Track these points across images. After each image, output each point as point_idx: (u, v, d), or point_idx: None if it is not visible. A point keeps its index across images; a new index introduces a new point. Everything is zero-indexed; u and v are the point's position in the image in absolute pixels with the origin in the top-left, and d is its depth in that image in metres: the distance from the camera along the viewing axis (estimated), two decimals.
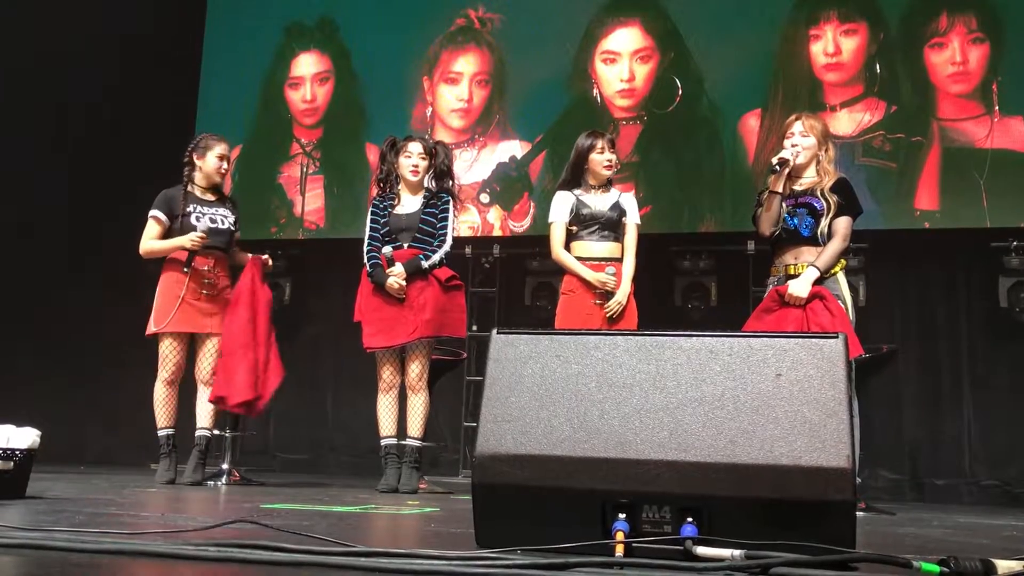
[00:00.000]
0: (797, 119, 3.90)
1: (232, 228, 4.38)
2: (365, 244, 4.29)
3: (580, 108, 6.28)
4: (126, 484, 3.89)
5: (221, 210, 4.37)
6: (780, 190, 3.76)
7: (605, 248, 4.11)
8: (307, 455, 6.49)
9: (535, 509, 1.68)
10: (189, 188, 4.38)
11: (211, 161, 4.37)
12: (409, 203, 4.32)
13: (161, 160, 6.44)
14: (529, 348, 1.80)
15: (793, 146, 3.81)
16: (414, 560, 1.44)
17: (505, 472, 1.70)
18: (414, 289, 4.15)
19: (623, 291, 4.05)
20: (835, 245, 3.69)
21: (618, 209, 4.13)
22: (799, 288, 3.61)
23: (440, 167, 4.34)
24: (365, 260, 4.25)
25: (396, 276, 4.13)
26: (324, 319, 6.55)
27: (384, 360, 4.23)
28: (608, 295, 4.03)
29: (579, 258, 4.10)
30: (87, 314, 6.44)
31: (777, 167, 3.75)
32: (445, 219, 4.27)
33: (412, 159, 4.29)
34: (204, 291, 4.25)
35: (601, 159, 4.13)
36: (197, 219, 4.28)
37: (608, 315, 4.03)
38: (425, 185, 4.35)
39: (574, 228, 4.14)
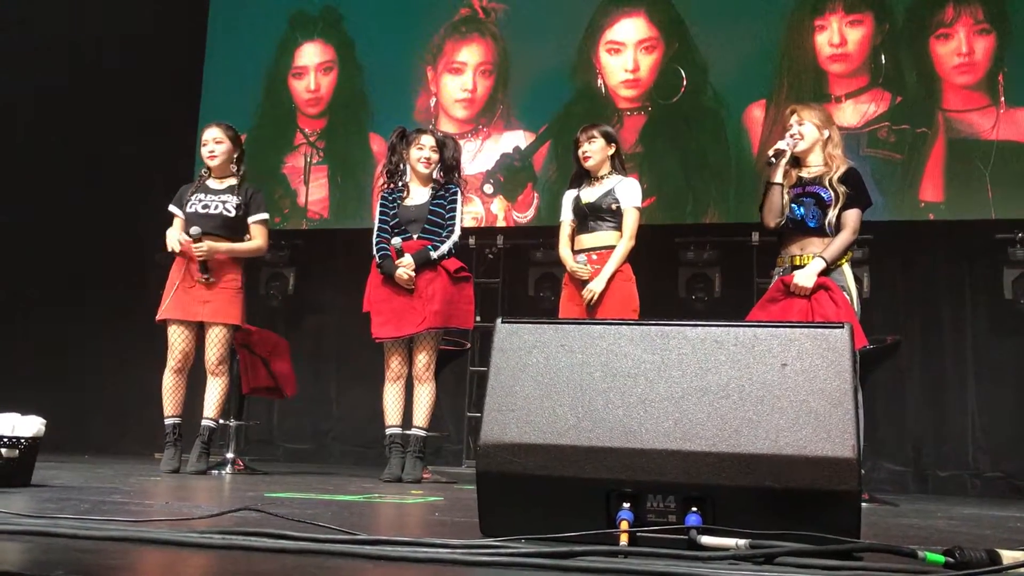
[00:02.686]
0: (792, 112, 3.91)
1: (226, 213, 4.31)
2: (374, 235, 4.31)
3: (584, 98, 6.27)
4: (131, 473, 3.89)
5: (225, 196, 4.35)
6: (779, 180, 3.76)
7: (598, 237, 4.18)
8: (311, 445, 6.51)
9: (539, 498, 1.68)
10: (203, 179, 4.43)
11: (201, 150, 4.45)
12: (418, 195, 4.32)
13: (164, 152, 6.48)
14: (534, 337, 1.80)
15: (791, 136, 3.81)
16: (419, 548, 1.44)
17: (509, 461, 1.70)
18: (423, 280, 4.15)
19: (598, 279, 4.08)
20: (844, 237, 3.67)
21: (610, 196, 4.17)
22: (805, 279, 3.60)
23: (449, 161, 4.35)
24: (374, 251, 4.26)
25: (405, 267, 4.13)
26: (328, 309, 6.56)
27: (392, 350, 4.24)
28: (585, 284, 4.08)
29: (577, 251, 4.21)
30: (93, 303, 6.44)
31: (773, 159, 3.76)
32: (453, 210, 4.28)
33: (425, 151, 4.30)
34: (197, 279, 4.25)
35: (578, 153, 4.25)
36: (192, 207, 4.32)
37: (584, 303, 4.07)
38: (433, 177, 4.36)
39: (574, 224, 4.24)
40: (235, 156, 4.45)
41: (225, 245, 4.29)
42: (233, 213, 4.33)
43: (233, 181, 4.41)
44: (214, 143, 4.40)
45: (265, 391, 4.71)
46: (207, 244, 4.19)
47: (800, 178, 3.81)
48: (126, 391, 6.21)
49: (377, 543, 1.48)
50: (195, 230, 4.19)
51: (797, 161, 3.87)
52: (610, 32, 6.28)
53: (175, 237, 4.25)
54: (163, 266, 4.42)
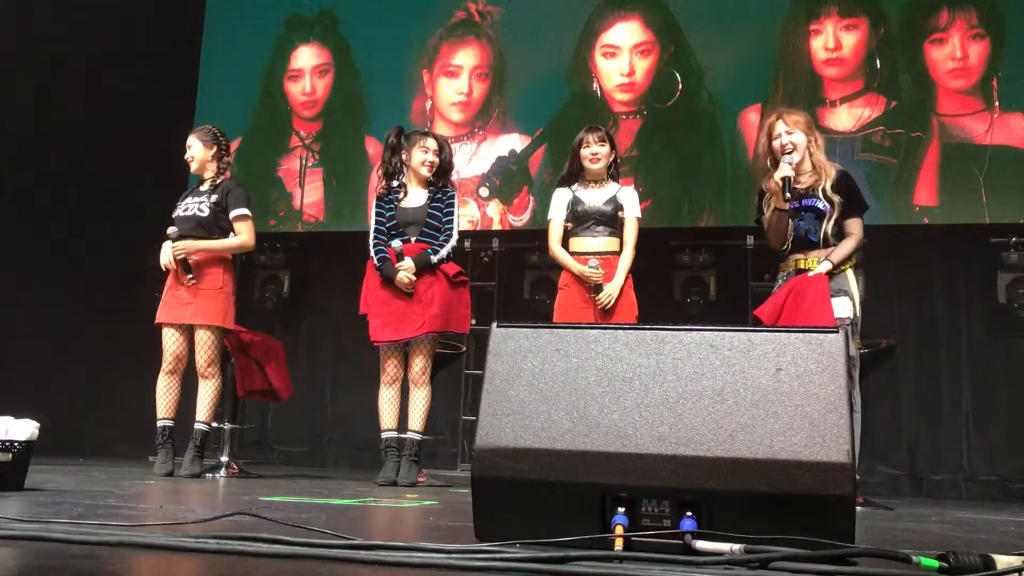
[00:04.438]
0: (778, 118, 3.81)
1: (199, 213, 4.31)
2: (371, 238, 4.29)
3: (580, 102, 6.28)
4: (125, 476, 3.88)
5: (202, 197, 4.37)
6: (787, 208, 3.70)
7: (600, 243, 4.14)
8: (306, 448, 6.50)
9: (534, 502, 1.68)
10: (198, 184, 4.48)
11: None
12: (416, 197, 4.31)
13: (160, 154, 6.47)
14: (529, 342, 1.80)
15: (783, 146, 3.74)
16: (413, 553, 1.44)
17: (504, 465, 1.69)
18: (422, 284, 4.15)
19: (614, 283, 4.06)
20: (850, 244, 3.70)
21: (614, 203, 4.15)
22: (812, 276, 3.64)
23: (445, 164, 4.35)
24: (372, 254, 4.24)
25: (406, 270, 4.12)
26: (323, 312, 6.56)
27: (388, 353, 4.23)
28: (597, 288, 4.05)
29: (575, 253, 4.15)
30: (87, 306, 6.43)
31: (788, 193, 3.64)
32: (451, 213, 4.28)
33: (429, 154, 4.28)
34: (181, 280, 4.26)
35: (586, 153, 4.18)
36: (177, 211, 4.38)
37: (600, 307, 4.04)
38: (429, 179, 4.34)
39: (570, 225, 4.19)
40: (211, 154, 4.44)
41: (206, 243, 4.29)
42: (206, 212, 4.33)
43: (204, 186, 4.43)
44: (187, 149, 4.46)
45: (260, 394, 4.70)
46: (183, 244, 4.22)
47: (794, 190, 3.78)
48: (120, 394, 6.20)
49: (372, 548, 1.48)
50: (172, 231, 4.25)
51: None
52: (606, 36, 6.29)
53: (168, 255, 4.26)
54: (156, 268, 4.43)
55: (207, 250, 4.29)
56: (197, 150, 4.42)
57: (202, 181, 4.45)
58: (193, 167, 4.46)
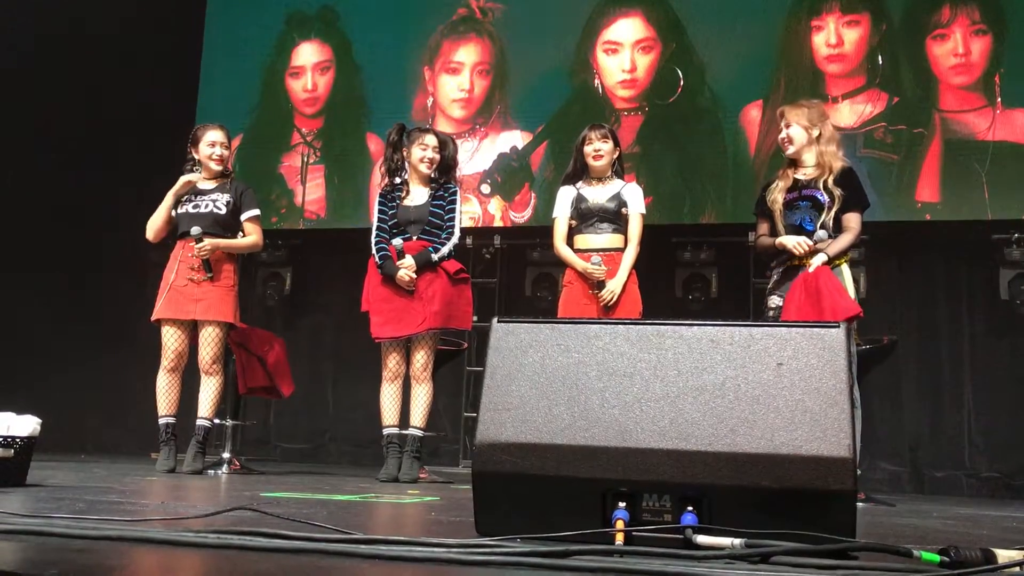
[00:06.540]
0: (781, 116, 3.91)
1: (217, 210, 4.33)
2: (373, 235, 4.30)
3: (581, 99, 6.27)
4: (126, 473, 3.89)
5: (215, 195, 4.37)
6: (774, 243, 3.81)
7: (605, 239, 4.14)
8: (307, 444, 6.50)
9: (535, 497, 1.68)
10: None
11: (203, 149, 4.44)
12: (418, 195, 4.31)
13: (161, 151, 6.47)
14: (530, 337, 1.80)
15: (782, 141, 3.81)
16: (414, 547, 1.43)
17: (505, 460, 1.69)
18: (423, 281, 4.15)
19: (617, 280, 4.06)
20: (847, 239, 3.71)
21: (617, 200, 4.15)
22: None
23: (448, 161, 4.34)
24: (374, 251, 4.25)
25: (407, 269, 4.12)
26: (325, 309, 6.56)
27: (390, 350, 4.24)
28: (600, 284, 4.05)
29: (579, 250, 4.15)
30: (89, 303, 6.43)
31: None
32: (453, 211, 4.28)
33: (428, 152, 4.29)
34: (190, 276, 4.26)
35: (589, 150, 4.19)
36: (183, 207, 4.37)
37: (602, 304, 4.04)
38: (432, 177, 4.34)
39: (574, 222, 4.19)
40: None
41: (225, 241, 4.30)
42: (224, 211, 4.34)
43: (222, 179, 4.44)
44: (222, 147, 4.44)
45: (262, 391, 4.70)
46: (209, 242, 4.21)
47: (796, 180, 3.81)
48: (122, 391, 6.20)
49: (373, 542, 1.47)
50: (196, 230, 4.21)
51: (793, 161, 3.87)
52: (607, 32, 6.29)
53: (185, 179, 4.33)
54: (159, 264, 4.43)
55: (226, 248, 4.32)
56: (226, 148, 4.47)
57: (201, 178, 4.44)
58: (222, 166, 4.45)
